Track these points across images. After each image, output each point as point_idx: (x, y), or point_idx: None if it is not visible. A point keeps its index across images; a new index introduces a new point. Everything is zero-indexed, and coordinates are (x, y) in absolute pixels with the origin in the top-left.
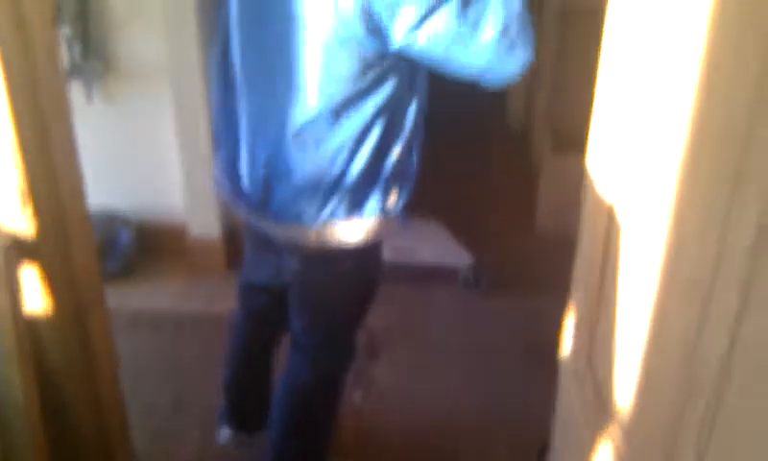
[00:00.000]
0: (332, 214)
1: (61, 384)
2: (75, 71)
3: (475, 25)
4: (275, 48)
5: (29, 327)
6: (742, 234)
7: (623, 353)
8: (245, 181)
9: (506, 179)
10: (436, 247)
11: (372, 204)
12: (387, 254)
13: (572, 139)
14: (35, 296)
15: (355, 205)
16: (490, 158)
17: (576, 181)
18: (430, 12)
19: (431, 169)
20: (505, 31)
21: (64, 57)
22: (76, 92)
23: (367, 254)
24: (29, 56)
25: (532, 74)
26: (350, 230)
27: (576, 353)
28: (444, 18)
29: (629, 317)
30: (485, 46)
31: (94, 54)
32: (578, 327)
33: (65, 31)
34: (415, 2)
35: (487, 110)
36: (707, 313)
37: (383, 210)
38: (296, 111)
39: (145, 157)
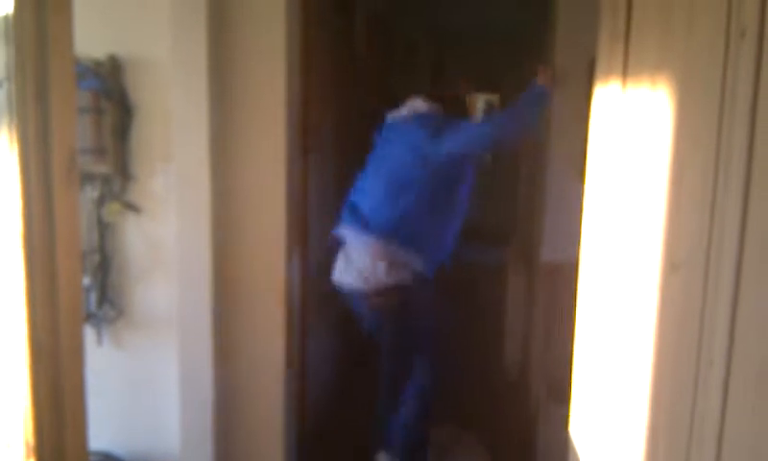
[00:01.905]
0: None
1: None
2: (89, 318)
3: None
4: None
5: None
6: None
7: None
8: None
9: (505, 425)
10: None
11: None
12: None
13: (567, 389)
14: None
15: None
16: (488, 405)
17: None
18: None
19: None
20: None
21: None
22: (87, 336)
23: None
24: (54, 305)
25: (526, 323)
26: None
27: None
28: None
29: None
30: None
31: (109, 303)
32: None
33: (84, 281)
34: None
35: (484, 358)
36: None
37: None
38: None
39: (145, 402)
